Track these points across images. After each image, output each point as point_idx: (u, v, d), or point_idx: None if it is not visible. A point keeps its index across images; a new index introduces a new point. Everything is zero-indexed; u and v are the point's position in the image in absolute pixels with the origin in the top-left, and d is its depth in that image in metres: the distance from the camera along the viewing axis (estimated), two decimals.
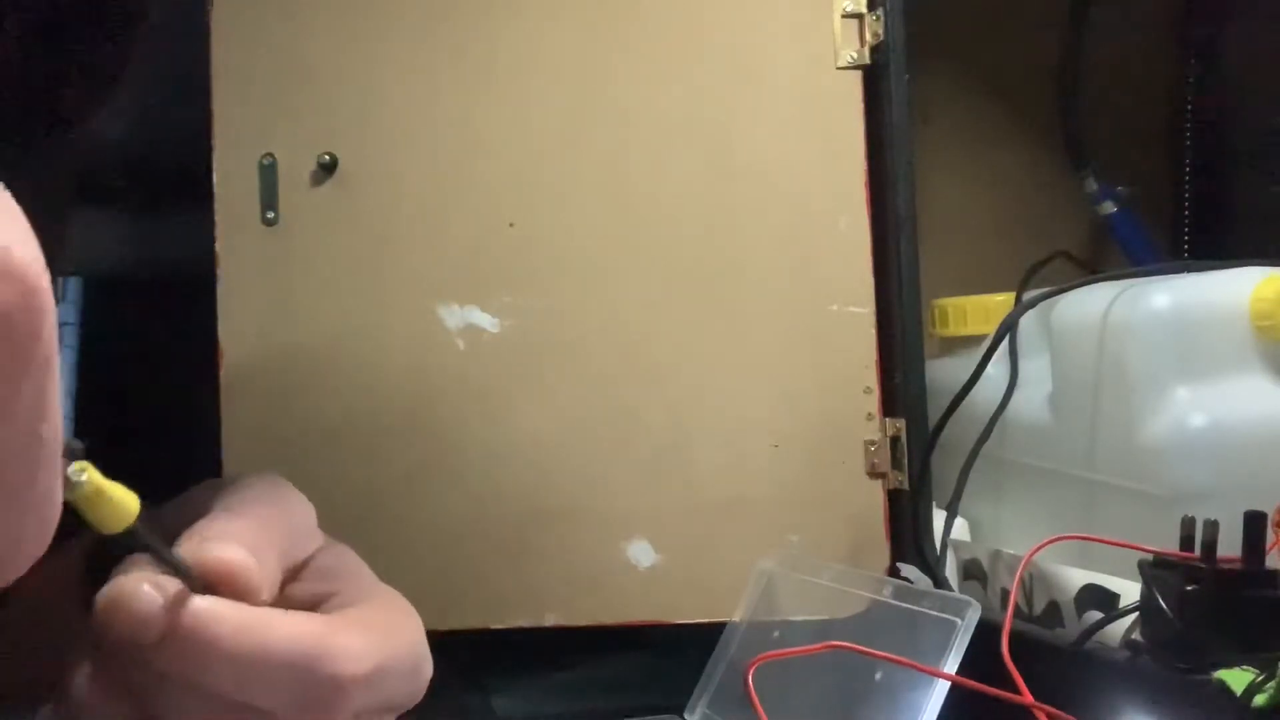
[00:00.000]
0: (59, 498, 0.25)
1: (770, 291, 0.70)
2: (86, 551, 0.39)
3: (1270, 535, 0.52)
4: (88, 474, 0.28)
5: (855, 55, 0.71)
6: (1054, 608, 0.63)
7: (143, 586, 0.30)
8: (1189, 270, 0.72)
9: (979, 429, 0.75)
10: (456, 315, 0.69)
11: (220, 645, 0.30)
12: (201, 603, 0.30)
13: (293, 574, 0.35)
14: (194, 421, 0.68)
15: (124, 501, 0.29)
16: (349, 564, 0.37)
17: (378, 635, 0.33)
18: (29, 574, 0.25)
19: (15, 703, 0.37)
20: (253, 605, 0.31)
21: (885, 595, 0.58)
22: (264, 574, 0.32)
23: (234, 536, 0.32)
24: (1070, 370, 0.74)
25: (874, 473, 0.70)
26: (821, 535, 0.69)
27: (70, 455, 0.27)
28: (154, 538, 0.31)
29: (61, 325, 1.00)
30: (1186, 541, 0.53)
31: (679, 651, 0.68)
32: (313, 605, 0.35)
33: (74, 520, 0.29)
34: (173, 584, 0.31)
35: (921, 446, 0.69)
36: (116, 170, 0.81)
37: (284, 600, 0.34)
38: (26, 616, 0.40)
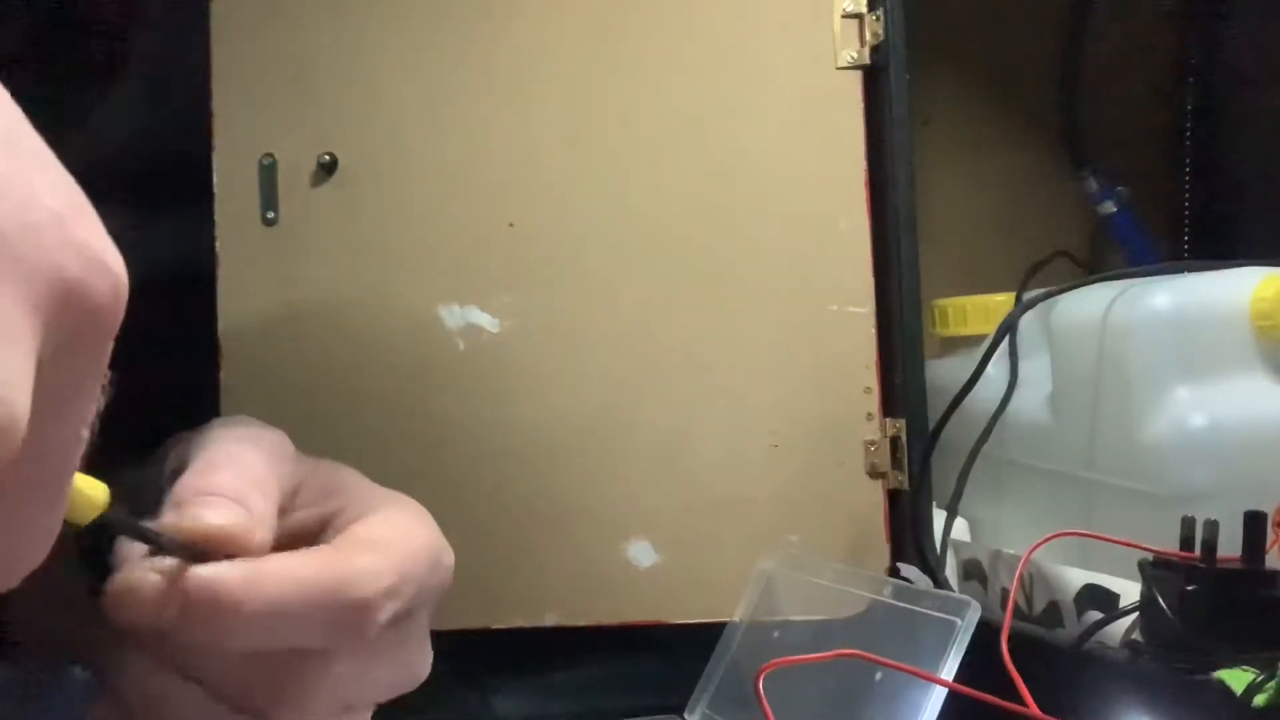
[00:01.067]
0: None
1: (770, 291, 0.70)
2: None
3: (1270, 535, 0.52)
4: None
5: (855, 55, 0.71)
6: (1054, 608, 0.63)
7: (147, 576, 0.30)
8: (1189, 270, 0.72)
9: (979, 429, 0.75)
10: (456, 315, 0.69)
11: (239, 607, 0.30)
12: (207, 573, 0.30)
13: (289, 500, 0.35)
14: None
15: (90, 494, 0.28)
16: (346, 479, 0.37)
17: (390, 544, 0.33)
18: None
19: (32, 662, 0.37)
20: (254, 552, 0.31)
21: (885, 595, 0.58)
22: (254, 517, 0.32)
23: (215, 490, 0.32)
24: (1070, 370, 0.74)
25: (874, 473, 0.70)
26: (821, 535, 0.69)
27: None
28: (131, 524, 0.30)
29: None
30: (1186, 541, 0.53)
31: (679, 651, 0.68)
32: (320, 526, 0.35)
33: None
34: (172, 562, 0.31)
35: (921, 446, 0.69)
36: (115, 170, 0.81)
37: (290, 529, 0.35)
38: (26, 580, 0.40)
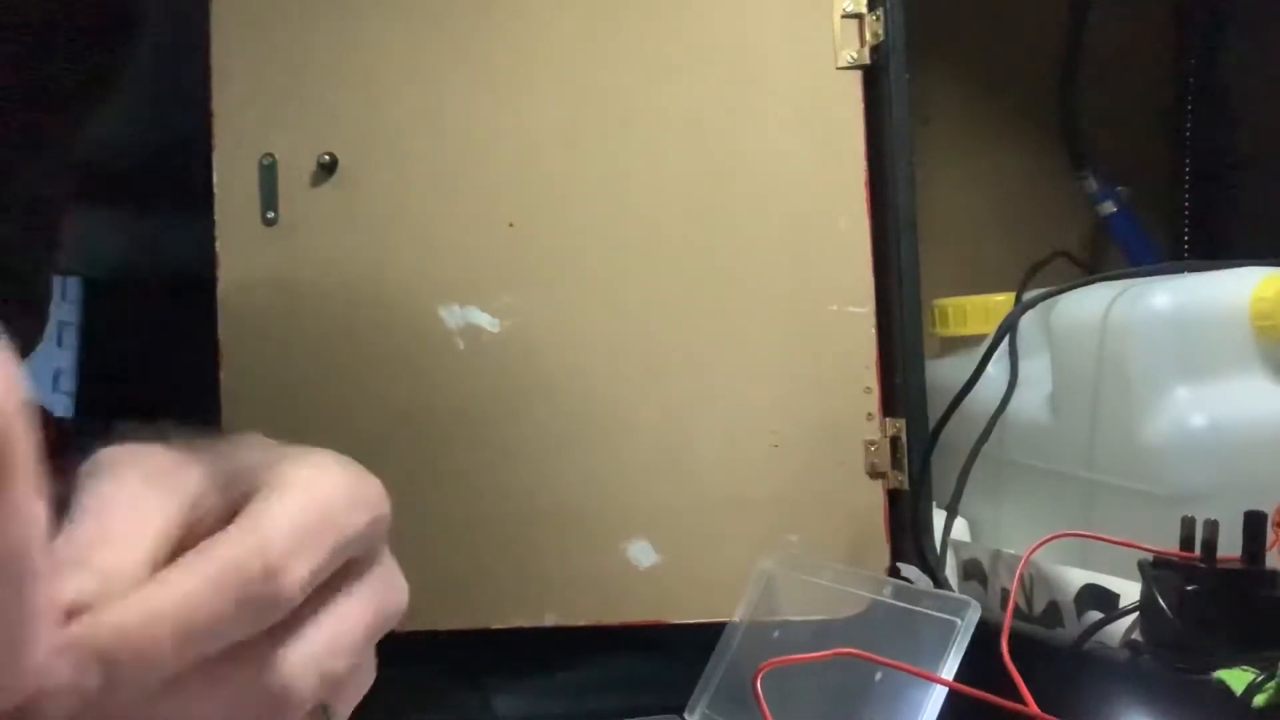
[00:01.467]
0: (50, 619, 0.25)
1: (770, 291, 0.70)
2: None
3: (1270, 535, 0.52)
4: None
5: (855, 55, 0.71)
6: (1054, 608, 0.63)
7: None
8: (1189, 270, 0.72)
9: (979, 429, 0.75)
10: (456, 315, 0.69)
11: (155, 645, 0.29)
12: (109, 624, 0.29)
13: (191, 514, 0.35)
14: (194, 422, 0.68)
15: None
16: (248, 458, 0.35)
17: (284, 505, 0.32)
18: None
19: None
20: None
21: (885, 595, 0.58)
22: (104, 577, 0.31)
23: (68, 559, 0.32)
24: (1070, 370, 0.74)
25: (874, 473, 0.70)
26: (821, 535, 0.69)
27: None
28: None
29: (61, 325, 1.00)
30: (1186, 541, 0.53)
31: (679, 651, 0.68)
32: (230, 517, 0.34)
33: None
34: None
35: (921, 446, 0.69)
36: (117, 171, 0.81)
37: (199, 535, 0.34)
38: None
